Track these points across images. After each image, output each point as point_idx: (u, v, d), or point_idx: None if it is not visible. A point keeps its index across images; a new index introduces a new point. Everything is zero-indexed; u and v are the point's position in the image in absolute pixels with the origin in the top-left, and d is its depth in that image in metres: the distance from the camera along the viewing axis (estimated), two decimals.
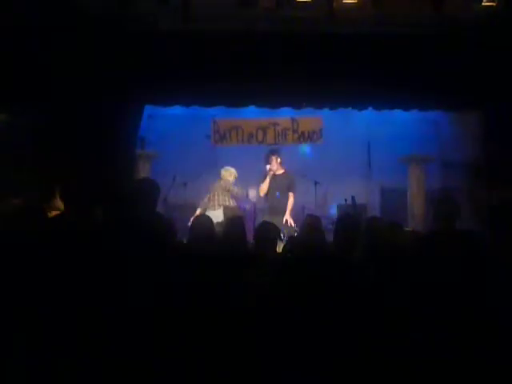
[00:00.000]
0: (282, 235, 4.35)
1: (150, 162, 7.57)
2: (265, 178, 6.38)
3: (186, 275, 2.16)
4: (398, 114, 7.38)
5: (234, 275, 2.28)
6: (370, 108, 7.13)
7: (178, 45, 6.30)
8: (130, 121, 6.68)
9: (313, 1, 5.82)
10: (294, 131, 7.71)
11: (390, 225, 3.89)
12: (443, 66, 6.29)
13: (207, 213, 6.21)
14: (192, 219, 4.26)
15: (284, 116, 7.67)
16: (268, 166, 6.35)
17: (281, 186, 6.34)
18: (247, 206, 7.15)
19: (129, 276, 2.08)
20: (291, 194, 6.34)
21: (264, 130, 7.66)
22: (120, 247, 2.23)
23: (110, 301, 2.00)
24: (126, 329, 1.94)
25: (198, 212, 6.44)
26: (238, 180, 6.93)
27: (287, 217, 6.24)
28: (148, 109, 7.20)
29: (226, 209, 6.61)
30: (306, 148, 8.04)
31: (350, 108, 7.13)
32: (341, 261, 2.17)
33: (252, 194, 7.21)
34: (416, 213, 7.40)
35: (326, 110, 7.25)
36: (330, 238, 3.92)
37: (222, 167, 6.98)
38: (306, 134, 7.69)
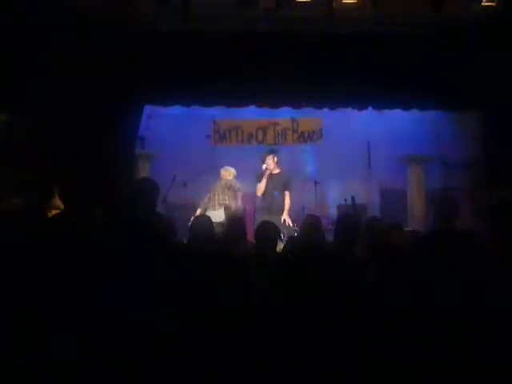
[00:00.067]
0: (282, 235, 4.36)
1: (149, 162, 7.57)
2: (261, 177, 6.38)
3: (186, 275, 2.16)
4: (397, 113, 7.39)
5: (234, 275, 2.28)
6: (370, 108, 7.13)
7: (178, 45, 6.29)
8: (130, 121, 6.68)
9: (313, 1, 5.82)
10: (294, 131, 7.73)
11: (389, 225, 3.90)
12: (443, 65, 6.29)
13: (208, 213, 6.20)
14: (192, 219, 4.26)
15: (284, 116, 7.68)
16: (264, 166, 6.35)
17: (277, 185, 6.34)
18: (247, 206, 7.15)
19: (129, 276, 2.08)
20: (287, 193, 6.34)
21: (264, 129, 7.68)
22: (120, 247, 2.23)
23: (109, 301, 2.00)
24: (125, 329, 1.94)
25: (198, 212, 6.44)
26: (238, 180, 6.93)
27: (285, 216, 6.24)
28: (148, 109, 7.20)
29: (226, 209, 6.61)
30: (306, 148, 8.04)
31: (350, 108, 7.14)
32: (341, 261, 2.17)
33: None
34: (416, 213, 7.40)
35: (325, 110, 7.25)
36: (329, 237, 3.92)
37: (222, 167, 6.98)
38: (306, 134, 7.71)
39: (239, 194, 6.64)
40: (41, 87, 5.80)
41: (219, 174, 6.93)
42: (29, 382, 1.92)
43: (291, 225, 6.15)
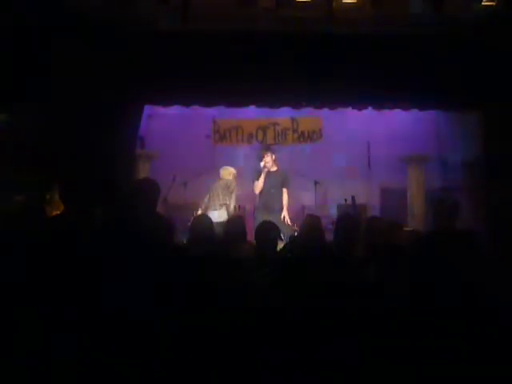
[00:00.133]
0: (282, 235, 4.35)
1: (149, 162, 7.57)
2: (260, 174, 6.38)
3: (186, 275, 2.16)
4: (397, 113, 7.39)
5: (234, 275, 2.28)
6: (370, 108, 7.13)
7: (178, 45, 6.30)
8: (130, 121, 6.68)
9: (313, 1, 5.83)
10: (294, 131, 7.72)
11: (389, 225, 3.89)
12: (443, 65, 6.29)
13: (208, 213, 6.20)
14: (192, 219, 4.25)
15: (284, 116, 7.68)
16: (262, 163, 6.35)
17: (275, 182, 6.34)
18: (247, 206, 7.15)
19: (129, 276, 2.08)
20: (285, 191, 6.34)
21: (264, 129, 7.67)
22: (120, 247, 2.23)
23: (109, 301, 2.00)
24: (125, 329, 1.94)
25: (199, 212, 6.44)
26: (238, 179, 6.93)
27: (285, 213, 6.25)
28: (148, 109, 7.20)
29: (226, 209, 6.61)
30: (305, 147, 8.04)
31: (350, 108, 7.14)
32: (341, 261, 2.17)
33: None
34: (416, 213, 7.40)
35: (325, 110, 7.25)
36: (330, 237, 3.92)
37: (222, 167, 6.98)
38: (306, 134, 7.71)
39: (233, 195, 6.66)
40: (41, 87, 5.80)
41: (219, 173, 6.94)
42: (29, 382, 1.92)
43: (289, 222, 6.16)
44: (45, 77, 5.83)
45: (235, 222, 4.00)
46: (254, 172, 6.40)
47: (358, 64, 6.32)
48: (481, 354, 1.82)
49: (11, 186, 5.26)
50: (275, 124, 7.71)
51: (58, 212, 3.63)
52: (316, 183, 7.19)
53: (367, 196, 7.69)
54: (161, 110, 7.48)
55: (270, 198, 6.29)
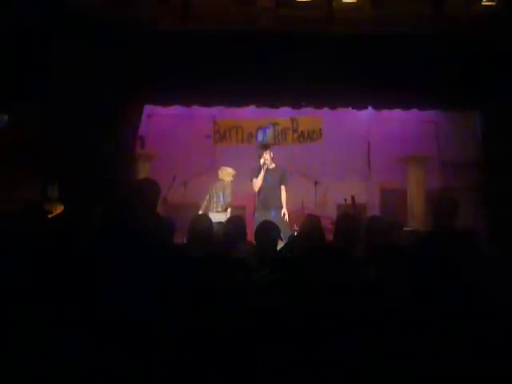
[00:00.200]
0: (281, 235, 4.35)
1: (149, 162, 7.57)
2: (259, 172, 6.38)
3: (186, 275, 2.16)
4: (397, 113, 7.39)
5: (234, 276, 2.28)
6: (370, 108, 7.13)
7: (178, 45, 6.30)
8: (130, 121, 6.68)
9: (313, 1, 5.83)
10: (294, 131, 7.73)
11: (389, 225, 3.89)
12: (443, 65, 6.29)
13: (208, 213, 6.21)
14: (192, 219, 4.25)
15: (284, 115, 7.68)
16: (262, 161, 6.35)
17: (274, 179, 6.34)
18: (247, 205, 7.15)
19: (129, 276, 2.08)
20: (283, 188, 6.35)
21: (264, 129, 7.68)
22: (120, 247, 2.23)
23: (109, 301, 2.00)
24: (125, 329, 1.94)
25: (199, 213, 6.44)
26: (237, 179, 6.93)
27: (285, 211, 6.26)
28: (148, 109, 7.20)
29: (226, 209, 6.62)
30: (305, 147, 8.03)
31: (350, 108, 7.14)
32: (341, 261, 2.17)
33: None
34: (416, 213, 7.40)
35: (325, 110, 7.25)
36: (330, 237, 3.92)
37: (220, 168, 6.98)
38: (306, 134, 7.71)
39: (231, 196, 6.67)
40: (41, 87, 5.79)
41: (218, 174, 6.94)
42: (29, 382, 1.92)
43: (288, 220, 6.17)
44: (45, 77, 5.83)
45: (235, 222, 4.00)
46: (252, 170, 6.40)
47: (358, 64, 6.32)
48: (481, 354, 1.82)
49: (11, 186, 5.26)
50: (275, 124, 7.72)
51: (58, 212, 3.63)
52: (316, 183, 7.19)
53: (367, 196, 7.70)
54: (161, 110, 7.48)
55: (268, 195, 6.30)
